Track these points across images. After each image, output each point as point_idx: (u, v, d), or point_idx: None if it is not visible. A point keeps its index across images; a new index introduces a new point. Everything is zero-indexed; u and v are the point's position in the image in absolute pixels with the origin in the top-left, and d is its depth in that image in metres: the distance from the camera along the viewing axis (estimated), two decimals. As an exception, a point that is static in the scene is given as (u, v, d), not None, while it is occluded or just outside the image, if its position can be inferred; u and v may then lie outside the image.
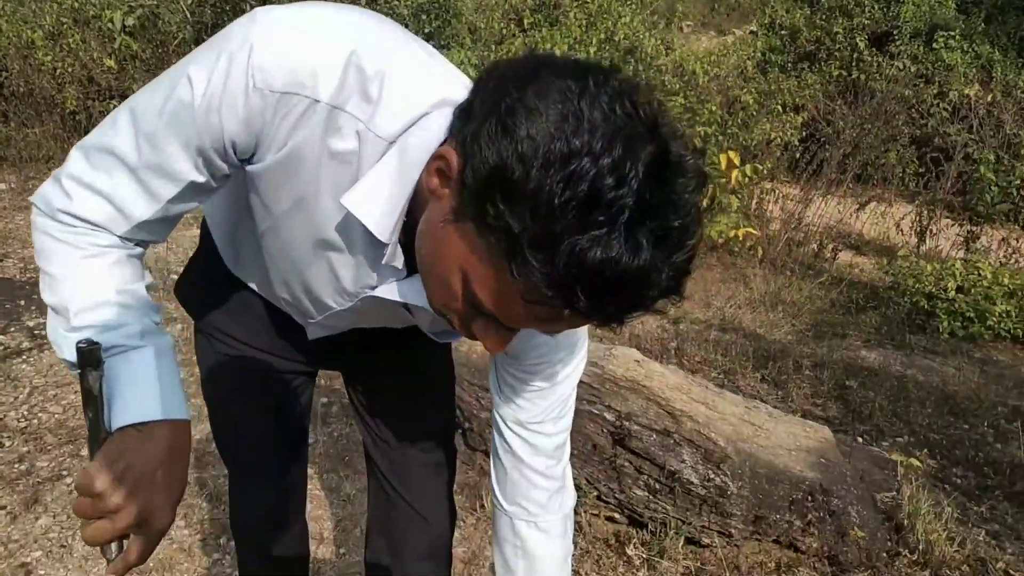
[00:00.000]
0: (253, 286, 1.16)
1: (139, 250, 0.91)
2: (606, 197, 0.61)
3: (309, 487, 2.53)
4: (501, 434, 1.10)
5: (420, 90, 0.81)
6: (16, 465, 2.53)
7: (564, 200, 0.61)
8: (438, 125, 0.78)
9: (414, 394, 1.33)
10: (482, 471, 2.56)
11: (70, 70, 6.32)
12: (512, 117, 0.64)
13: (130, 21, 6.53)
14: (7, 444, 2.65)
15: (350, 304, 1.00)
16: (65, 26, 6.47)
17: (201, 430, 2.52)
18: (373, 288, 0.94)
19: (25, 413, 2.84)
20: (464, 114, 0.73)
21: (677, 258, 0.66)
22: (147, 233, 0.89)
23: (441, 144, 0.77)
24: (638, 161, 0.62)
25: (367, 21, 0.84)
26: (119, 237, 0.87)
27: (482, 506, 2.41)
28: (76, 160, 0.84)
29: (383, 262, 0.86)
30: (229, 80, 0.77)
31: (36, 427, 2.76)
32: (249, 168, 0.85)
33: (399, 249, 0.86)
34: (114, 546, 0.80)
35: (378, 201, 0.81)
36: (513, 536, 1.13)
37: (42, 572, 2.08)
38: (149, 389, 0.82)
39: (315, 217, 0.87)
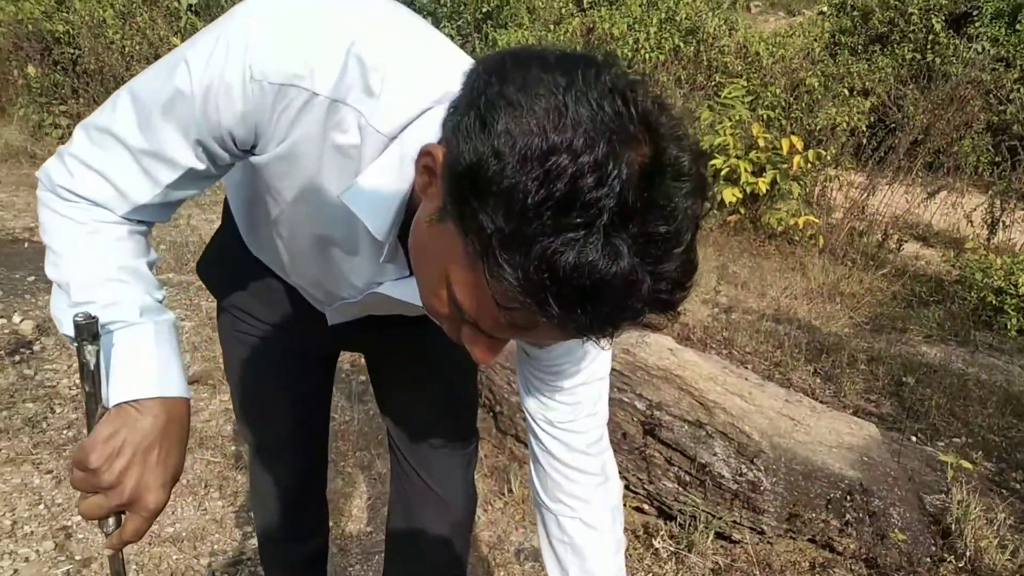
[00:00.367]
0: (272, 267, 1.16)
1: (143, 227, 0.90)
2: (584, 197, 0.56)
3: (341, 464, 2.57)
4: (534, 433, 1.07)
5: (423, 83, 0.78)
6: (64, 431, 2.62)
7: (539, 199, 0.56)
8: (439, 121, 0.74)
9: (435, 376, 1.32)
10: (512, 455, 2.54)
11: (138, 48, 6.50)
12: (492, 111, 0.60)
13: (195, 0, 6.67)
14: (57, 411, 2.74)
15: (360, 297, 0.98)
16: (135, 5, 6.66)
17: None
18: (379, 284, 0.93)
19: (77, 381, 2.93)
20: (453, 108, 0.69)
21: (664, 268, 0.60)
22: (148, 215, 0.88)
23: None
24: (622, 160, 0.56)
25: (372, 7, 0.81)
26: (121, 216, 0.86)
27: (510, 490, 2.39)
28: (79, 139, 0.84)
29: (380, 261, 0.84)
30: (226, 70, 0.75)
31: (86, 395, 2.84)
32: (252, 159, 0.84)
33: (400, 248, 0.83)
34: (111, 520, 0.80)
35: (376, 198, 0.78)
36: (560, 533, 1.09)
37: (80, 536, 2.14)
38: (146, 366, 0.81)
39: (320, 211, 0.86)
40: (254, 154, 0.83)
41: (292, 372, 1.30)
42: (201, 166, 0.83)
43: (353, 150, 0.78)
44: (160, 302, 0.87)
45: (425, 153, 0.69)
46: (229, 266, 1.22)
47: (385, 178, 0.78)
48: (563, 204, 0.56)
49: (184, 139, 0.80)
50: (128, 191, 0.83)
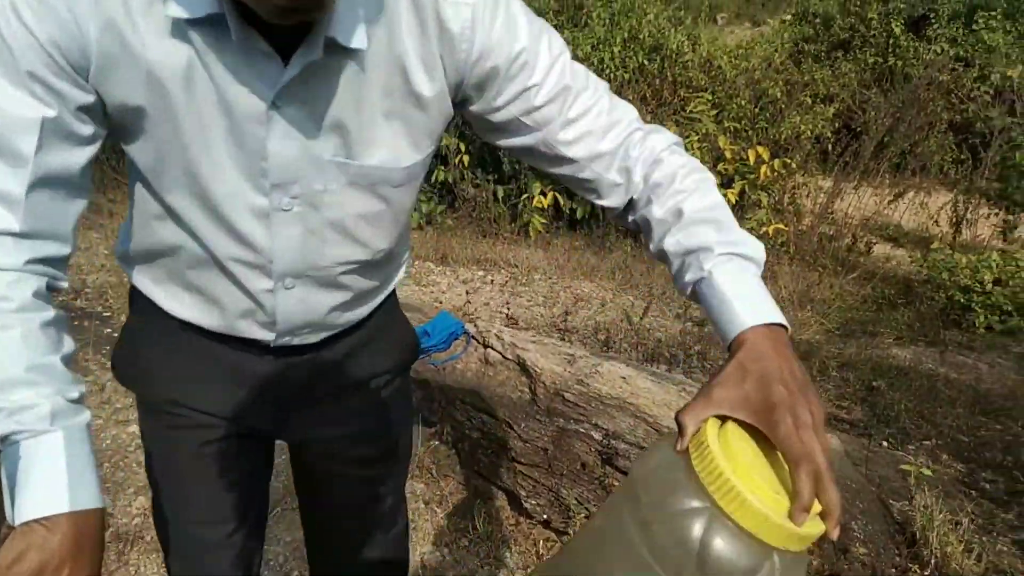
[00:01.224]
0: (189, 317, 1.05)
1: (52, 314, 0.85)
2: None
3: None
4: (596, 190, 0.98)
5: None
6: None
7: None
8: None
9: (372, 464, 1.25)
10: (476, 492, 2.55)
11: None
12: None
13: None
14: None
15: (268, 182, 0.89)
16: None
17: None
18: (276, 97, 0.83)
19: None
20: None
21: None
22: (43, 220, 0.83)
23: None
24: None
25: None
26: (26, 263, 0.82)
27: (474, 528, 2.39)
28: None
29: (233, 38, 0.78)
30: None
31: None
32: (95, 80, 0.80)
33: (241, 21, 0.78)
34: None
35: None
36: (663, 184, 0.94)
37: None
38: (55, 479, 0.77)
39: (166, 77, 0.81)
40: (91, 69, 0.80)
41: (228, 464, 1.15)
42: (52, 112, 0.79)
43: None
44: (76, 400, 0.83)
45: None
46: (146, 348, 1.12)
47: None
48: None
49: (17, 88, 0.77)
50: (2, 187, 0.80)
